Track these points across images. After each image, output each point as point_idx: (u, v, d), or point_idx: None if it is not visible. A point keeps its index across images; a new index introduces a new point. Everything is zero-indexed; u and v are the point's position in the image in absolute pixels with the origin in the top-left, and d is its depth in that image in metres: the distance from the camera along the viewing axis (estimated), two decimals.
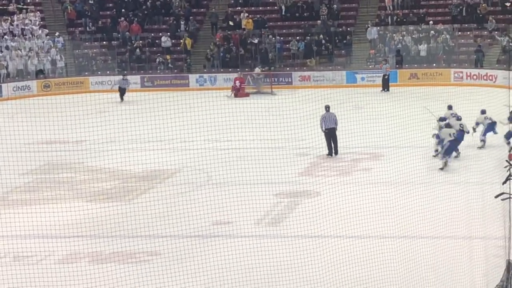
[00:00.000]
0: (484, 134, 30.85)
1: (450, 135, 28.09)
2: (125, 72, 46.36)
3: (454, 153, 28.71)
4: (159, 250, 20.08)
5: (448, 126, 28.80)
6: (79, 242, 20.82)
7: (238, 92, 45.14)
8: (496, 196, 21.15)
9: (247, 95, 45.01)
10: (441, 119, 29.40)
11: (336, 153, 30.68)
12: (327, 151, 30.77)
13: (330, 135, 30.62)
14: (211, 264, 18.40)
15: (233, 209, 21.65)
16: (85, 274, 18.10)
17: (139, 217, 22.11)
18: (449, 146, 27.96)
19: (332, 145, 30.66)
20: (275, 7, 52.76)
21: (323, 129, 30.69)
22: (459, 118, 29.60)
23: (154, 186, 26.17)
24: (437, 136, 29.21)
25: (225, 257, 18.83)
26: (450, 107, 30.83)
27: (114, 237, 20.66)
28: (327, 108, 30.77)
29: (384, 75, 45.10)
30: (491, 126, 30.86)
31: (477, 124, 31.28)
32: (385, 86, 44.91)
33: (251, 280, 17.35)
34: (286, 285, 17.43)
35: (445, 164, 28.02)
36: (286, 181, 26.16)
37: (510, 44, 45.59)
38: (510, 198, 20.09)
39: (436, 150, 29.11)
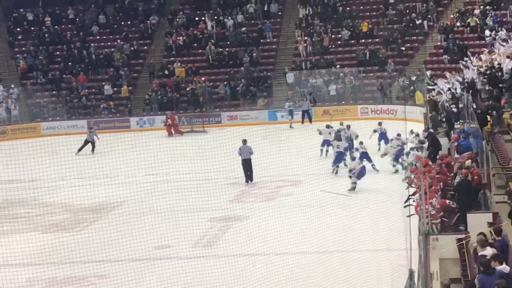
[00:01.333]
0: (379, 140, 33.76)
1: (337, 146, 31.05)
2: (92, 127, 43.26)
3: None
4: (107, 273, 19.90)
5: (339, 139, 31.74)
6: (36, 269, 20.47)
7: (172, 129, 44.58)
8: (405, 206, 21.61)
9: (181, 133, 44.57)
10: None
11: (251, 180, 30.83)
12: (244, 179, 30.92)
13: (246, 164, 30.79)
14: (154, 285, 18.29)
15: (172, 234, 21.61)
16: None
17: (89, 245, 21.91)
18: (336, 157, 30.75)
19: (248, 173, 30.82)
20: (204, 57, 52.89)
21: (242, 157, 30.83)
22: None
23: (101, 217, 25.94)
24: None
25: (166, 277, 18.78)
26: (348, 127, 33.68)
27: (67, 263, 20.48)
28: (244, 141, 31.04)
29: (303, 111, 45.94)
30: (383, 135, 33.53)
31: (374, 131, 34.14)
32: (308, 119, 45.82)
33: None
34: None
35: (336, 172, 30.49)
36: (219, 208, 26.15)
37: (407, 83, 46.27)
38: (410, 205, 20.56)
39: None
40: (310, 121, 45.24)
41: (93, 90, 51.92)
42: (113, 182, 29.75)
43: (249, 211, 25.67)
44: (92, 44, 54.76)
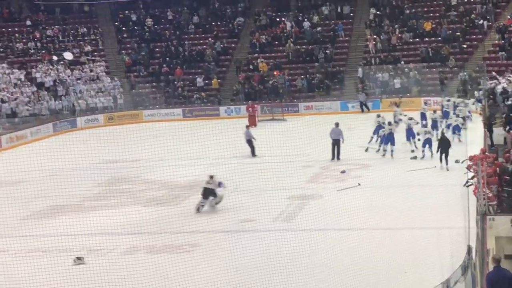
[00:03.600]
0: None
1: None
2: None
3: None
4: (199, 242, 20.17)
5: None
6: (137, 238, 20.94)
7: (252, 119, 42.98)
8: (465, 185, 21.24)
9: (255, 124, 42.18)
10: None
11: (338, 158, 30.91)
12: (331, 157, 30.92)
13: (335, 144, 30.98)
14: (239, 254, 18.44)
15: (256, 210, 21.77)
16: (142, 263, 18.20)
17: (183, 217, 22.20)
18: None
19: (336, 152, 30.93)
20: (284, 53, 52.85)
21: (333, 138, 31.06)
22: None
23: (194, 193, 26.23)
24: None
25: (250, 248, 18.92)
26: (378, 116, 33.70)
27: (164, 233, 20.79)
28: (336, 124, 31.32)
29: (360, 102, 46.82)
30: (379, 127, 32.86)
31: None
32: (366, 108, 46.34)
33: (270, 264, 17.40)
34: (298, 267, 17.46)
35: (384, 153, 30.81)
36: (296, 187, 26.18)
37: (467, 77, 45.30)
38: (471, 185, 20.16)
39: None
40: (368, 109, 45.75)
41: (187, 82, 52.45)
42: (205, 163, 30.15)
43: (323, 191, 25.61)
44: (187, 42, 55.31)
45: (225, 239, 20.01)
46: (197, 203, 23.88)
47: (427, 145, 29.44)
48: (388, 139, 30.69)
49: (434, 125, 33.05)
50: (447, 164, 27.61)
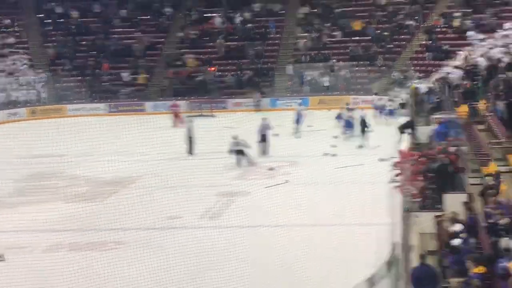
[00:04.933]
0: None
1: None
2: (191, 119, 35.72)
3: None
4: (125, 240, 20.04)
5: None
6: (61, 235, 20.62)
7: (176, 119, 41.48)
8: (390, 182, 21.60)
9: (182, 122, 39.53)
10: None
11: (266, 153, 31.29)
12: (258, 152, 31.28)
13: (263, 139, 31.49)
14: (166, 251, 18.41)
15: (182, 206, 21.72)
16: (66, 261, 17.95)
17: (108, 214, 21.91)
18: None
19: (264, 147, 31.41)
20: (214, 49, 52.87)
21: (260, 133, 31.58)
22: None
23: (120, 189, 26.04)
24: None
25: (177, 245, 18.88)
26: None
27: (89, 230, 20.59)
28: (264, 119, 32.17)
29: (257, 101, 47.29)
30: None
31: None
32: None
33: (197, 261, 17.41)
34: (225, 264, 17.52)
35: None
36: (224, 184, 26.23)
37: (401, 77, 45.96)
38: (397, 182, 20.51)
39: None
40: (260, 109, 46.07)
41: (114, 77, 51.94)
42: (131, 159, 29.90)
43: (251, 187, 25.74)
44: (114, 36, 54.73)
45: (151, 236, 19.94)
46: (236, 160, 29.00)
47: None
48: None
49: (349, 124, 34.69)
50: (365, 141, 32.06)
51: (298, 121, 36.55)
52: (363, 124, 33.37)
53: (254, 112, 44.81)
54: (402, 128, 29.14)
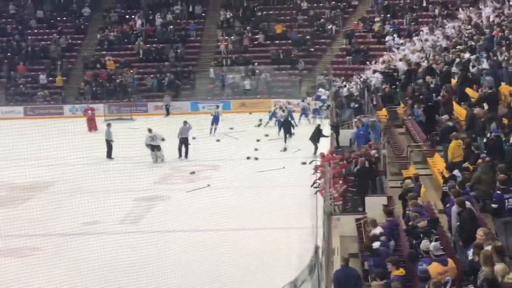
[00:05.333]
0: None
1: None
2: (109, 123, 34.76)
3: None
4: (40, 246, 19.51)
5: None
6: None
7: (91, 123, 40.51)
8: (312, 185, 21.73)
9: (96, 128, 39.84)
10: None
11: (186, 156, 31.28)
12: (178, 155, 31.27)
13: (183, 143, 31.38)
14: (82, 257, 18.03)
15: (101, 211, 21.34)
16: None
17: (23, 220, 21.31)
18: None
19: (184, 150, 31.34)
20: (134, 51, 52.32)
21: (179, 137, 31.39)
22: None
23: (35, 195, 25.41)
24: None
25: (94, 251, 18.51)
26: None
27: (3, 236, 19.94)
28: (185, 122, 31.84)
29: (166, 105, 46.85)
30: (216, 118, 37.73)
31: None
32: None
33: (115, 268, 17.10)
34: (145, 269, 17.28)
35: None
36: (144, 188, 25.85)
37: (324, 81, 46.16)
38: (317, 189, 20.67)
39: None
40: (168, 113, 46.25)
41: (30, 79, 50.81)
42: (47, 164, 29.13)
43: (171, 192, 25.52)
44: (30, 37, 53.57)
45: (67, 242, 19.48)
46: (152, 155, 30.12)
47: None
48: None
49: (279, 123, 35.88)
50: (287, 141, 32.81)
51: (213, 123, 37.43)
52: (288, 126, 33.73)
53: (165, 116, 44.44)
54: (315, 138, 30.59)
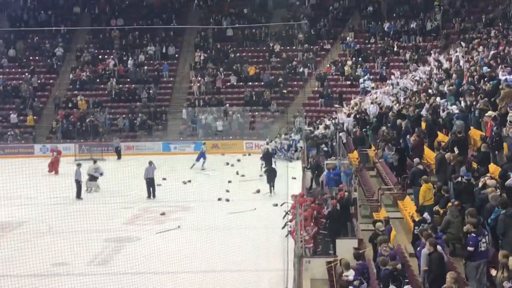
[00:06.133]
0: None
1: None
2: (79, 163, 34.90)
3: None
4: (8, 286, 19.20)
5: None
6: None
7: (53, 165, 39.22)
8: (283, 227, 21.68)
9: (57, 171, 38.76)
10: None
11: (154, 196, 31.31)
12: (146, 195, 31.34)
13: (150, 183, 31.45)
14: None
15: (69, 252, 21.11)
16: None
17: None
18: None
19: (151, 190, 31.41)
20: (106, 91, 52.27)
21: (145, 177, 31.49)
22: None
23: (3, 235, 25.01)
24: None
25: None
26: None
27: None
28: (150, 163, 31.81)
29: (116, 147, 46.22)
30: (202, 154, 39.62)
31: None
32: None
33: None
34: None
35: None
36: (113, 229, 25.63)
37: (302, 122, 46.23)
38: (288, 232, 20.59)
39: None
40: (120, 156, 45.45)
41: (1, 118, 50.44)
42: (17, 204, 28.82)
43: (141, 233, 25.31)
44: (1, 76, 53.30)
45: (35, 283, 19.18)
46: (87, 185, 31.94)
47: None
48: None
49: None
50: (273, 190, 31.51)
51: (199, 159, 39.28)
52: (272, 173, 32.52)
53: (118, 159, 44.11)
54: (270, 178, 31.75)
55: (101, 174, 32.77)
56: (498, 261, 11.18)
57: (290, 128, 45.74)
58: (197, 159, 39.47)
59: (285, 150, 41.38)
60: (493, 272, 11.76)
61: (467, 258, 12.76)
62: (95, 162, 34.11)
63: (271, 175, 32.10)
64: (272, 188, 31.73)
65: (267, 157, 36.12)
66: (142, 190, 31.60)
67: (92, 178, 32.80)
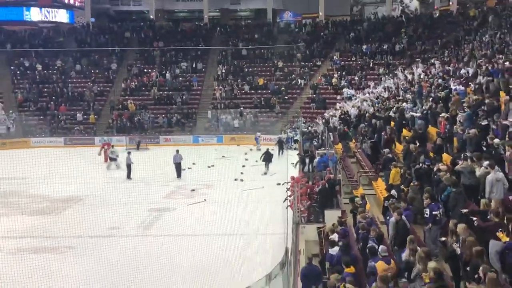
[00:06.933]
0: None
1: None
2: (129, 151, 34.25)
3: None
4: (74, 245, 19.29)
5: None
6: (23, 241, 19.64)
7: (105, 155, 36.86)
8: (284, 201, 21.65)
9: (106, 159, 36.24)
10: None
11: (180, 177, 31.24)
12: (176, 175, 31.29)
13: (177, 166, 31.37)
14: (108, 255, 17.79)
15: (121, 219, 21.14)
16: (27, 260, 17.05)
17: (61, 225, 20.99)
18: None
19: (178, 173, 31.36)
20: (150, 97, 52.23)
21: (174, 162, 31.48)
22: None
23: (70, 206, 25.16)
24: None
25: (118, 251, 18.32)
26: None
27: (46, 237, 19.73)
28: (177, 151, 31.86)
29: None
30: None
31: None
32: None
33: (135, 263, 16.90)
34: (157, 266, 17.09)
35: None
36: (155, 202, 25.67)
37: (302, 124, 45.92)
38: (288, 199, 20.56)
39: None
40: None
41: (69, 117, 50.51)
42: (79, 181, 28.91)
43: (176, 205, 25.35)
44: (70, 85, 53.36)
45: (96, 242, 19.29)
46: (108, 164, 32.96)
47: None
48: None
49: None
50: (267, 170, 32.23)
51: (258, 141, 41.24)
52: (268, 156, 33.31)
53: (135, 150, 41.68)
54: (267, 159, 32.39)
55: (117, 156, 33.69)
56: (449, 228, 11.09)
57: (291, 125, 45.57)
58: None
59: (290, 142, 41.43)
60: (443, 238, 11.62)
61: (432, 223, 12.54)
62: (112, 146, 35.46)
63: (267, 158, 32.74)
64: (267, 168, 32.43)
65: (280, 144, 38.09)
66: (174, 172, 31.50)
67: (112, 159, 33.84)
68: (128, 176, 31.42)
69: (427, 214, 12.68)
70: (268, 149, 34.18)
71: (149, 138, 46.87)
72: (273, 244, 19.12)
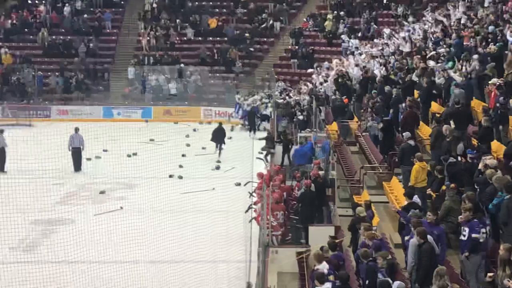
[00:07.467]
0: None
1: None
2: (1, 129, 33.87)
3: None
4: None
5: None
6: None
7: None
8: (246, 211, 21.75)
9: None
10: None
11: (79, 170, 31.65)
12: (73, 169, 31.56)
13: (76, 153, 31.61)
14: None
15: None
16: None
17: None
18: None
19: (77, 163, 31.72)
20: (36, 44, 51.75)
21: (70, 148, 31.69)
22: None
23: None
24: None
25: None
26: None
27: None
28: (76, 129, 32.00)
29: None
30: None
31: None
32: None
33: None
34: None
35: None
36: (43, 210, 25.44)
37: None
38: (251, 208, 20.68)
39: None
40: None
41: None
42: None
43: (76, 215, 25.20)
44: None
45: None
46: None
47: None
48: None
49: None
50: (220, 152, 33.97)
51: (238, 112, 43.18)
52: (221, 133, 34.59)
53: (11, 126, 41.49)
54: (219, 138, 33.97)
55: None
56: (499, 256, 11.21)
57: (259, 93, 45.71)
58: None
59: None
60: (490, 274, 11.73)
61: (470, 250, 12.66)
62: (2, 132, 32.36)
63: (218, 135, 33.91)
64: (219, 150, 33.87)
65: (251, 117, 40.80)
66: (71, 163, 31.57)
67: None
68: (1, 168, 31.09)
69: (464, 235, 12.83)
70: (220, 123, 35.15)
71: (34, 108, 46.50)
72: (228, 277, 19.21)
